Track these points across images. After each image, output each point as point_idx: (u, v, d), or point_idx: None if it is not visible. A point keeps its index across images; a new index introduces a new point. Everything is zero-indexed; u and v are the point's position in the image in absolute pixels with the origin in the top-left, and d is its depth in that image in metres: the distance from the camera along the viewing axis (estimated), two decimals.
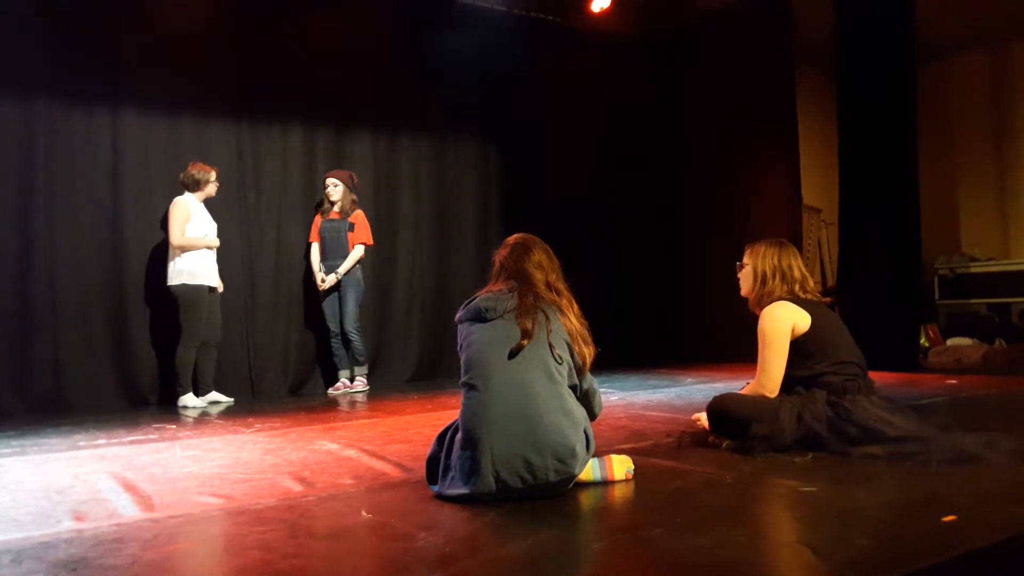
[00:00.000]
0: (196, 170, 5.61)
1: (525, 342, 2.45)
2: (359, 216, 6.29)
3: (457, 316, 2.65)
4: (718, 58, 7.75)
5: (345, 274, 6.14)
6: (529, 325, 2.48)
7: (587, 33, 7.83)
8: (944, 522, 2.05)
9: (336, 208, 6.25)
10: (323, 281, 6.15)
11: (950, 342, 7.25)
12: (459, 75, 7.16)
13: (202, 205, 5.65)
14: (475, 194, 7.49)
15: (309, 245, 6.36)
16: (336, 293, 6.19)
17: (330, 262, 6.20)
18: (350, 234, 6.21)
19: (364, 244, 6.26)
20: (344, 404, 5.56)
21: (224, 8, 6.18)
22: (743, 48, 7.49)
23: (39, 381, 5.44)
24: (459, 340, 2.61)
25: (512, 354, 2.44)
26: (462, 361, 2.55)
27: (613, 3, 7.50)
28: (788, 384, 3.12)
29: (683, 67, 8.16)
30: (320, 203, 6.41)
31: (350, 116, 6.78)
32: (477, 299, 2.60)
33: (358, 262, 6.23)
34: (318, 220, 6.34)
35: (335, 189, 6.22)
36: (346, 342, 6.22)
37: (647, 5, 7.79)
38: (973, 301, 7.90)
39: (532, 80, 7.56)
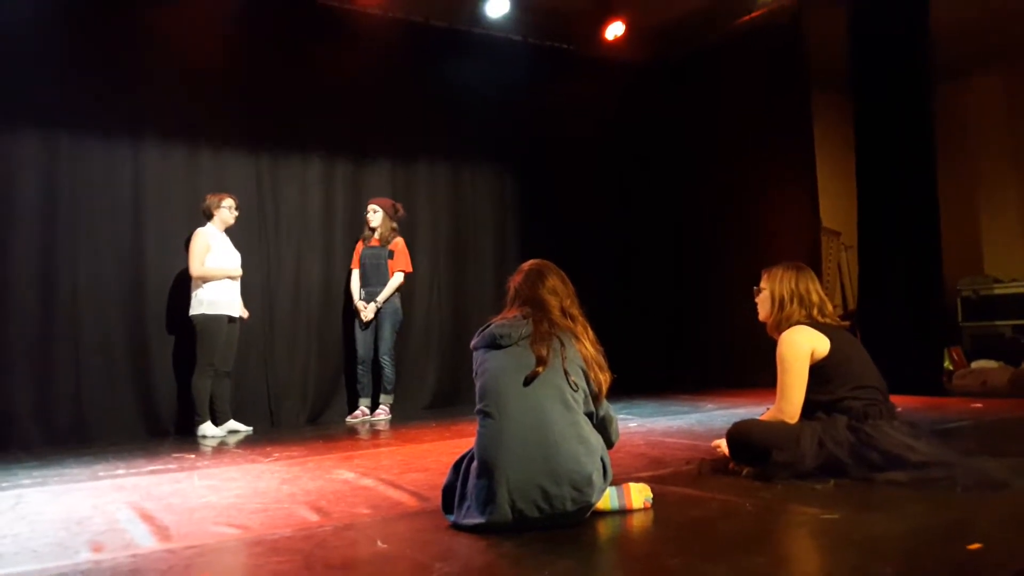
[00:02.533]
0: (210, 198, 5.69)
1: (540, 369, 2.44)
2: (399, 244, 6.33)
3: (472, 343, 2.64)
4: (733, 82, 7.75)
5: (384, 302, 6.17)
6: (544, 352, 2.47)
7: (601, 60, 7.88)
8: (969, 550, 2.00)
9: (376, 235, 6.30)
10: (365, 307, 6.18)
11: (975, 365, 7.15)
12: (476, 103, 7.23)
13: (223, 235, 5.71)
14: (492, 220, 7.52)
15: (350, 273, 6.42)
16: (373, 320, 6.21)
17: (370, 289, 6.25)
18: (390, 262, 6.26)
19: (403, 272, 6.29)
20: (362, 432, 5.55)
21: (243, 40, 6.28)
22: (758, 71, 7.49)
23: (61, 411, 5.48)
24: (474, 367, 2.60)
25: (527, 381, 2.43)
26: (477, 388, 2.54)
27: (627, 30, 7.57)
28: (808, 409, 3.08)
29: (697, 91, 8.17)
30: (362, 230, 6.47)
31: (368, 145, 6.85)
32: (492, 326, 2.60)
33: (397, 290, 6.26)
34: (359, 247, 6.39)
35: (374, 216, 6.28)
36: (377, 369, 6.24)
37: (660, 31, 7.84)
38: (998, 323, 7.79)
39: (548, 107, 7.60)
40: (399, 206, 6.43)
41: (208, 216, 5.68)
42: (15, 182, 5.48)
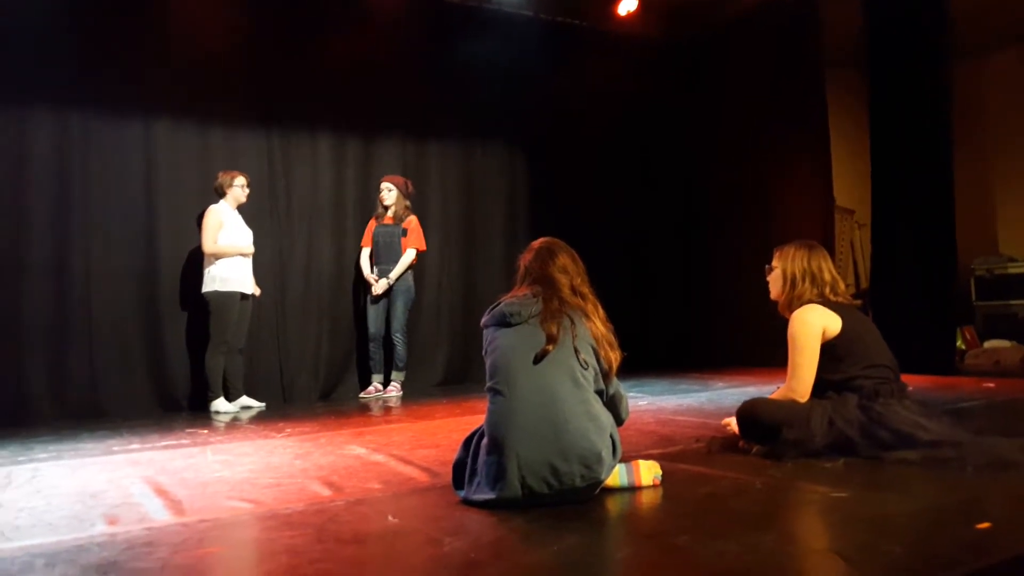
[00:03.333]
0: (222, 176, 5.70)
1: (550, 347, 2.44)
2: (412, 221, 6.32)
3: (482, 321, 2.64)
4: (747, 59, 7.68)
5: (397, 279, 6.18)
6: (554, 330, 2.47)
7: (614, 36, 7.81)
8: (979, 529, 2.01)
9: (390, 213, 6.30)
10: (376, 281, 6.19)
11: (987, 344, 7.12)
12: (486, 80, 7.18)
13: (236, 212, 5.73)
14: (502, 198, 7.50)
15: (361, 250, 6.43)
16: (385, 297, 6.23)
17: (383, 266, 6.25)
18: (403, 239, 6.26)
19: (416, 249, 6.29)
20: (374, 409, 5.58)
21: (253, 18, 6.25)
22: (772, 48, 7.41)
23: (76, 387, 5.54)
24: (484, 345, 2.61)
25: (537, 359, 2.43)
26: (487, 366, 2.55)
27: (640, 6, 7.49)
28: (819, 388, 3.07)
29: (711, 69, 8.10)
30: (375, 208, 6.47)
31: (379, 123, 6.83)
32: (502, 304, 2.60)
33: (409, 267, 6.27)
34: (372, 225, 6.40)
35: (389, 194, 6.28)
36: (389, 346, 6.27)
37: (674, 8, 7.76)
38: (1012, 302, 7.73)
39: (559, 84, 7.55)
40: (410, 183, 6.43)
41: (220, 194, 5.70)
42: (28, 163, 5.51)
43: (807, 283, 3.18)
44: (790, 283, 3.22)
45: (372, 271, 6.29)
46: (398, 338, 6.22)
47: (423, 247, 6.38)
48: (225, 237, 5.59)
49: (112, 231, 5.73)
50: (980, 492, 2.40)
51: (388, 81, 6.80)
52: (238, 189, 5.72)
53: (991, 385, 5.23)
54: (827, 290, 3.17)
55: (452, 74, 7.08)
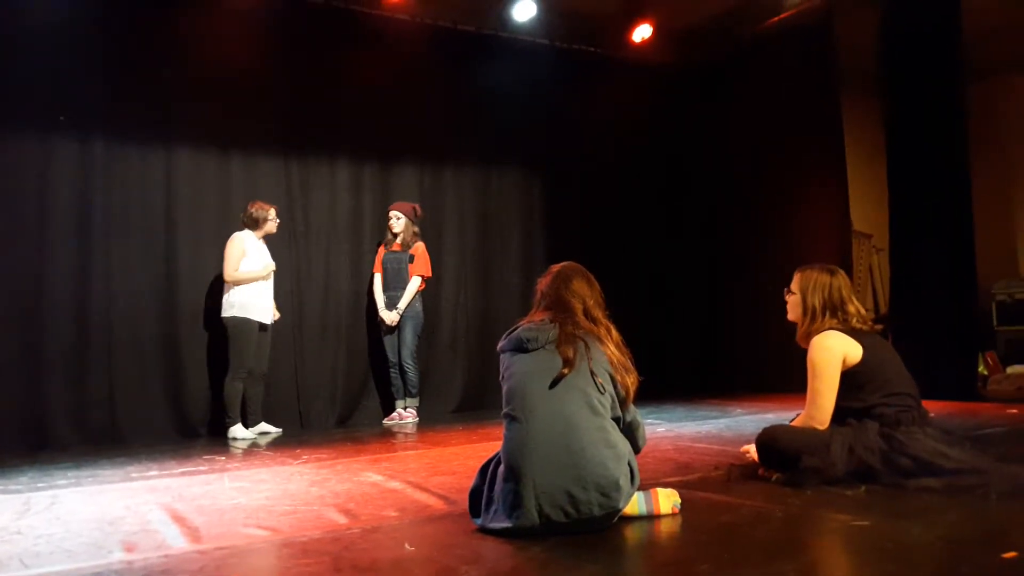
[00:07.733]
0: (255, 208, 5.76)
1: (567, 370, 2.43)
2: (419, 248, 6.37)
3: (499, 346, 2.64)
4: (761, 83, 7.68)
5: (406, 307, 6.21)
6: (570, 354, 2.46)
7: (629, 63, 7.86)
8: (1004, 559, 1.97)
9: (398, 240, 6.36)
10: (388, 315, 6.23)
11: (1010, 370, 7.02)
12: (502, 107, 7.24)
13: (260, 242, 5.79)
14: (519, 224, 7.53)
15: (372, 276, 6.47)
16: (395, 325, 6.26)
17: (391, 293, 6.29)
18: (410, 266, 6.30)
19: (421, 276, 6.32)
20: (392, 435, 5.57)
21: (272, 47, 6.35)
22: (786, 73, 7.41)
23: (95, 413, 5.57)
24: (501, 370, 2.60)
25: (553, 383, 2.43)
26: (504, 392, 2.54)
27: (654, 32, 7.55)
28: (840, 415, 3.04)
29: (725, 93, 8.11)
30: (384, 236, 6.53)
31: (396, 148, 6.89)
32: (519, 329, 2.60)
33: (417, 293, 6.29)
34: (381, 252, 6.45)
35: (397, 222, 6.33)
36: (401, 372, 6.28)
37: (688, 33, 7.80)
38: None
39: (574, 110, 7.60)
40: (418, 208, 6.48)
41: (249, 225, 5.74)
42: (51, 188, 5.58)
43: (827, 316, 3.14)
44: (810, 315, 3.17)
45: (382, 298, 6.32)
46: (409, 364, 6.24)
47: (428, 273, 6.41)
48: (247, 265, 5.64)
49: (132, 256, 5.78)
50: (1004, 521, 2.37)
51: (405, 107, 6.87)
52: (271, 223, 5.81)
53: (1014, 411, 5.16)
54: (847, 318, 3.14)
55: (469, 101, 7.14)
